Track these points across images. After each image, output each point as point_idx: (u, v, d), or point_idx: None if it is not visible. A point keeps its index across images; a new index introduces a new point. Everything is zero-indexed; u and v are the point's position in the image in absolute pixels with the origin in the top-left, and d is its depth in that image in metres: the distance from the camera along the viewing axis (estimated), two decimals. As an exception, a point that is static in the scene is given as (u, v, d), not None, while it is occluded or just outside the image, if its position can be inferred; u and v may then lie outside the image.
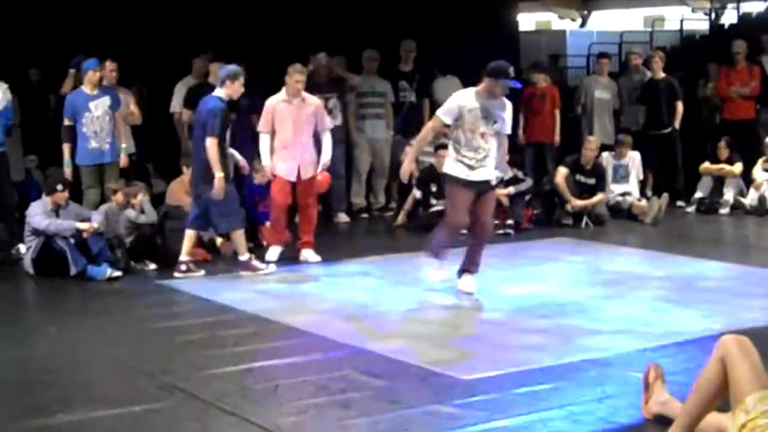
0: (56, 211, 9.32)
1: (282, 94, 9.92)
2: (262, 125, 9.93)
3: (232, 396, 5.64)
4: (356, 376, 5.99)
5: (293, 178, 9.89)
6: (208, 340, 6.92)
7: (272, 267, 9.47)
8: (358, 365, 6.21)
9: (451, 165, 8.27)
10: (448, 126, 8.30)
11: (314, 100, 10.11)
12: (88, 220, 9.30)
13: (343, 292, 8.51)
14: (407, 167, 8.61)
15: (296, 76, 9.84)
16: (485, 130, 8.17)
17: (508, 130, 8.44)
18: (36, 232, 9.20)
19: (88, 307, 8.39)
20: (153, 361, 6.45)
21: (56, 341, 7.19)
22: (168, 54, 12.96)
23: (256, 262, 9.36)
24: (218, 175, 8.99)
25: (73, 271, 9.06)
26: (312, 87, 12.07)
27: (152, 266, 9.58)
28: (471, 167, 8.15)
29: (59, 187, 9.36)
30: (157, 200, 10.65)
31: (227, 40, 12.88)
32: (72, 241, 9.16)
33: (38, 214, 9.20)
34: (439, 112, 8.34)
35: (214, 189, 9.01)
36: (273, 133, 9.90)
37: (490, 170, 8.26)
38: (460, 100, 8.21)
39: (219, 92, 9.25)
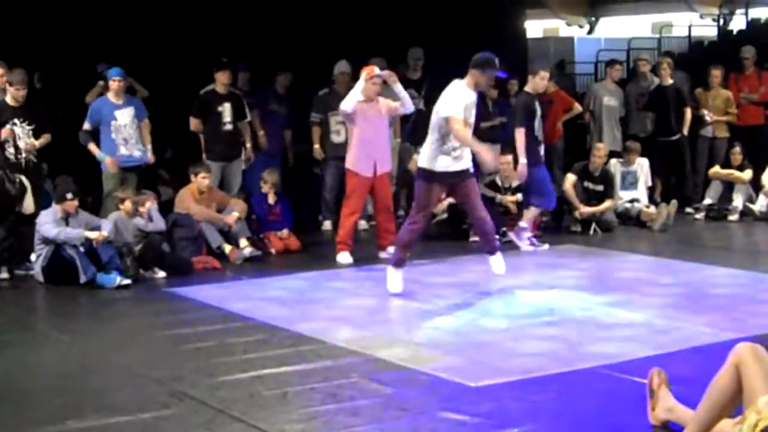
0: (66, 219, 9.35)
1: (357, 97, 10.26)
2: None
3: (241, 403, 5.66)
4: (365, 384, 6.01)
5: (371, 174, 10.27)
6: (217, 348, 6.94)
7: (546, 246, 10.69)
8: (366, 372, 6.23)
9: (429, 159, 8.39)
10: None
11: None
12: (97, 228, 9.33)
13: (351, 299, 8.52)
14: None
15: (376, 79, 10.24)
16: (471, 122, 8.50)
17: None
18: (46, 241, 9.23)
19: (98, 315, 8.42)
20: (162, 369, 6.47)
21: (66, 349, 7.22)
22: (177, 62, 13.00)
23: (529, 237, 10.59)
24: (521, 161, 10.34)
25: (82, 279, 9.09)
26: (333, 99, 12.16)
27: (161, 274, 9.60)
28: (455, 158, 8.37)
29: (69, 195, 9.38)
30: (166, 208, 10.67)
31: (234, 47, 12.91)
32: (81, 249, 9.19)
33: (48, 223, 9.24)
34: (454, 112, 8.27)
35: (518, 173, 10.31)
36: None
37: (468, 160, 8.48)
38: (463, 96, 8.34)
39: (527, 86, 10.72)
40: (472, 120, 8.44)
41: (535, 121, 10.56)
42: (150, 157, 10.94)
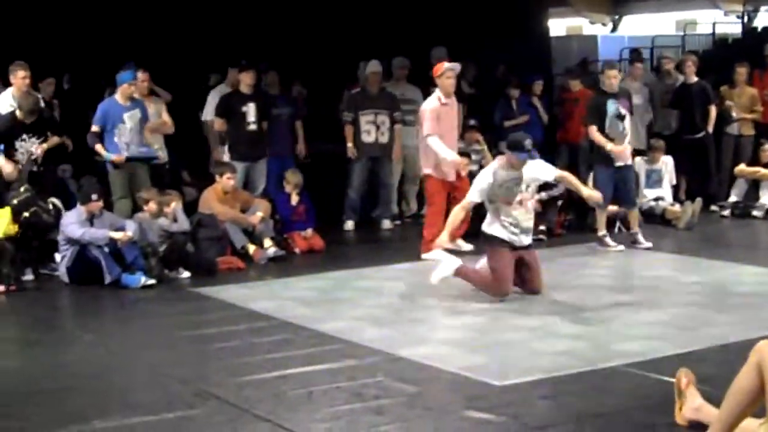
0: (90, 220, 9.37)
1: (435, 98, 10.22)
2: (431, 129, 10.08)
3: (265, 402, 5.67)
4: (389, 383, 6.00)
5: (453, 178, 10.20)
6: (241, 347, 6.95)
7: (621, 246, 10.59)
8: (390, 371, 6.22)
9: (493, 227, 8.38)
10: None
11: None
12: (122, 229, 9.35)
13: (376, 298, 8.51)
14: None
15: (448, 72, 10.17)
16: (522, 198, 8.35)
17: (550, 175, 8.62)
18: (70, 241, 9.26)
19: (123, 315, 8.46)
20: (187, 368, 6.49)
21: (91, 349, 7.24)
22: (202, 63, 13.05)
23: (608, 239, 10.56)
24: (608, 147, 10.54)
25: (107, 279, 9.11)
26: (364, 98, 12.17)
27: (185, 274, 9.62)
28: (513, 233, 8.33)
29: (94, 196, 9.41)
30: (190, 208, 10.70)
31: (258, 49, 12.95)
32: (106, 249, 9.21)
33: (73, 223, 9.27)
34: (470, 197, 8.40)
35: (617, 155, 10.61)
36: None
37: (529, 236, 8.49)
38: (490, 177, 8.30)
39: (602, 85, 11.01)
40: (515, 197, 8.34)
41: (606, 121, 10.57)
42: (161, 155, 10.88)
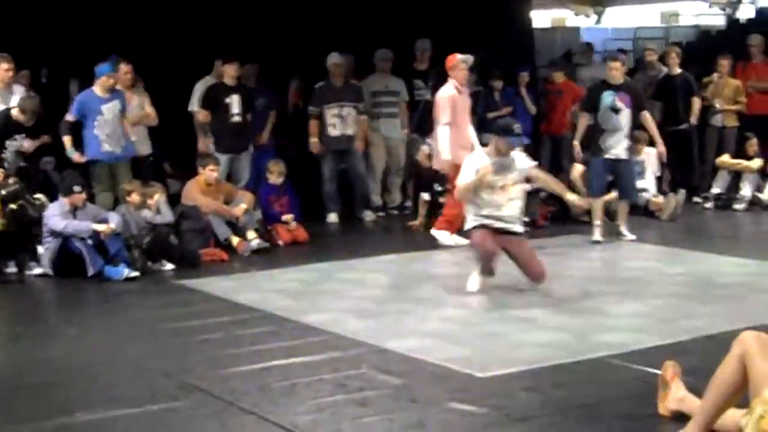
0: (73, 212, 9.34)
1: (451, 86, 10.40)
2: (448, 117, 10.24)
3: (250, 395, 5.66)
4: (373, 375, 6.00)
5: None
6: (225, 340, 6.94)
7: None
8: (375, 363, 6.22)
9: (470, 221, 8.36)
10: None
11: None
12: (105, 221, 9.32)
13: (360, 290, 8.50)
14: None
15: (461, 65, 10.38)
16: (504, 183, 8.28)
17: (531, 166, 8.58)
18: (53, 233, 9.23)
19: (106, 308, 8.43)
20: (171, 361, 6.47)
21: (74, 342, 7.22)
22: (183, 54, 12.98)
23: (599, 231, 10.50)
24: (574, 142, 11.02)
25: (90, 271, 9.09)
26: (328, 92, 12.13)
27: (169, 266, 9.60)
28: (494, 220, 8.27)
29: (76, 188, 9.38)
30: (173, 200, 10.67)
31: (240, 41, 12.90)
32: (89, 241, 9.18)
33: (55, 215, 9.23)
34: (458, 180, 8.43)
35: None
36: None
37: (514, 224, 8.36)
38: (474, 163, 8.31)
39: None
40: (499, 182, 8.28)
41: (599, 112, 10.57)
42: (140, 148, 10.96)
